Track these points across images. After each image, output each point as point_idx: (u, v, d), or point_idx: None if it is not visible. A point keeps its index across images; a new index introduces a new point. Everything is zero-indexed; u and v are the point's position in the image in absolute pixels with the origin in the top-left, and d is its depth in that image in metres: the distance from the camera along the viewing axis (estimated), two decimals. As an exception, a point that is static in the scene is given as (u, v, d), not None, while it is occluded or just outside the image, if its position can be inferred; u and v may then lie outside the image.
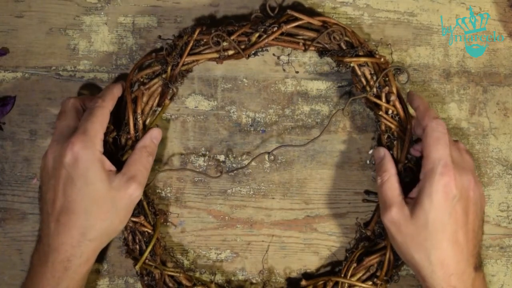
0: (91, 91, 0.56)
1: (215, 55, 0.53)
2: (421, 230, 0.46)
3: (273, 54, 0.56)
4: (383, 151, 0.52)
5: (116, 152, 0.52)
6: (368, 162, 0.56)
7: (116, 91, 0.52)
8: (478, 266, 0.48)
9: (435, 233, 0.46)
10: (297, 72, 0.56)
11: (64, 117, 0.50)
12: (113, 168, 0.49)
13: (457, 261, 0.46)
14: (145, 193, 0.54)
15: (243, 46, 0.52)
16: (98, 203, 0.47)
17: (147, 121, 0.54)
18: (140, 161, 0.50)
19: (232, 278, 0.57)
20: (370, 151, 0.56)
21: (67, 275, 0.47)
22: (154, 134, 0.52)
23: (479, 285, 0.48)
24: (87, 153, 0.47)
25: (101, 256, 0.56)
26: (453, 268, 0.46)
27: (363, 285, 0.52)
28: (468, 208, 0.47)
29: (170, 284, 0.53)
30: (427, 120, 0.48)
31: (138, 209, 0.53)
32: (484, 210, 0.51)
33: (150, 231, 0.52)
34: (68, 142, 0.47)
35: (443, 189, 0.46)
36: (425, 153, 0.47)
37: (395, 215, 0.48)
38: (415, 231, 0.47)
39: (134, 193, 0.49)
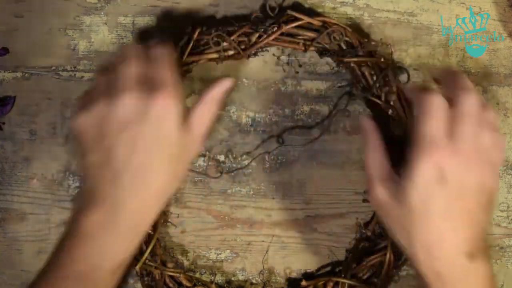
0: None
1: (215, 55, 0.53)
2: (406, 213, 0.42)
3: (273, 54, 0.56)
4: (365, 121, 0.48)
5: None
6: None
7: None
8: (477, 255, 0.42)
9: (418, 217, 0.41)
10: (297, 72, 0.56)
11: (130, 64, 0.43)
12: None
13: (441, 247, 0.41)
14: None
15: (243, 46, 0.52)
16: (174, 163, 0.44)
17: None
18: (208, 116, 0.46)
19: (232, 278, 0.57)
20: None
21: (136, 241, 0.44)
22: (225, 85, 0.47)
23: (476, 279, 0.42)
24: (176, 111, 0.42)
25: (101, 256, 0.56)
26: (437, 253, 0.41)
27: (363, 285, 0.52)
28: (462, 194, 0.41)
29: (170, 285, 0.53)
30: (422, 93, 0.43)
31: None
32: (492, 198, 0.44)
33: (150, 231, 0.52)
34: (158, 94, 0.41)
35: (427, 172, 0.41)
36: (414, 127, 0.43)
37: (379, 194, 0.44)
38: (400, 214, 0.43)
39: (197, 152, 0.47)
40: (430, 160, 0.41)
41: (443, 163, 0.41)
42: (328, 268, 0.57)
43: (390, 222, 0.45)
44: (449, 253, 0.41)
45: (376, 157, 0.46)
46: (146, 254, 0.51)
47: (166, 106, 0.42)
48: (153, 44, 0.46)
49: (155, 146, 0.42)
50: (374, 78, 0.53)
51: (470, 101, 0.43)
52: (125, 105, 0.41)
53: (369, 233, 0.55)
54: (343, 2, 0.56)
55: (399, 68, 0.53)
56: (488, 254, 0.44)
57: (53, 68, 0.56)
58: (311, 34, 0.52)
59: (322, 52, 0.54)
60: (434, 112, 0.42)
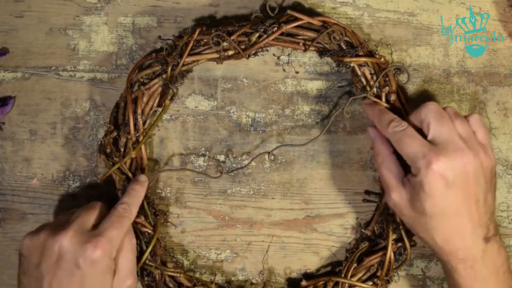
0: (90, 91, 0.56)
1: (215, 55, 0.53)
2: (420, 215, 0.46)
3: (273, 54, 0.56)
4: (372, 132, 0.51)
5: (116, 152, 0.52)
6: (368, 162, 0.56)
7: (142, 191, 0.52)
8: (492, 235, 0.47)
9: (434, 218, 0.46)
10: (297, 72, 0.56)
11: (90, 212, 0.48)
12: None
13: (462, 237, 0.46)
14: (145, 194, 0.54)
15: (243, 46, 0.52)
16: None
17: (148, 121, 0.54)
18: (133, 254, 0.50)
19: (232, 278, 0.57)
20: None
21: None
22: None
23: (492, 255, 0.47)
24: (106, 261, 0.46)
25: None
26: (458, 243, 0.46)
27: (363, 285, 0.52)
28: (466, 184, 0.45)
29: (171, 285, 0.53)
30: (385, 129, 0.49)
31: (139, 210, 0.53)
32: (493, 173, 0.48)
33: (150, 231, 0.52)
34: (92, 243, 0.45)
35: (433, 181, 0.45)
36: (399, 152, 0.48)
37: (395, 199, 0.48)
38: (415, 215, 0.47)
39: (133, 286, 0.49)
40: (433, 174, 0.45)
41: (441, 172, 0.45)
42: (329, 268, 0.57)
43: (407, 220, 0.49)
44: (467, 242, 0.46)
45: (386, 164, 0.49)
46: (146, 254, 0.51)
47: (100, 256, 0.45)
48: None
49: None
50: (374, 78, 0.53)
51: (424, 110, 0.48)
52: (64, 243, 0.45)
53: (369, 233, 0.55)
54: (343, 2, 0.56)
55: (399, 68, 0.53)
56: (497, 229, 0.48)
57: (53, 68, 0.56)
58: (311, 34, 0.52)
59: (322, 52, 0.54)
60: (404, 137, 0.47)
